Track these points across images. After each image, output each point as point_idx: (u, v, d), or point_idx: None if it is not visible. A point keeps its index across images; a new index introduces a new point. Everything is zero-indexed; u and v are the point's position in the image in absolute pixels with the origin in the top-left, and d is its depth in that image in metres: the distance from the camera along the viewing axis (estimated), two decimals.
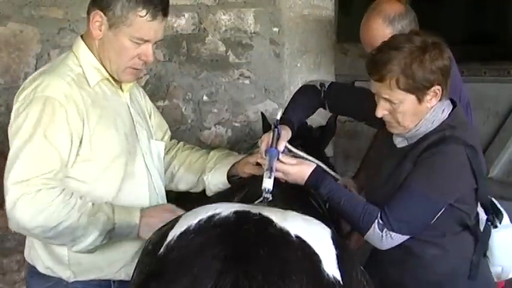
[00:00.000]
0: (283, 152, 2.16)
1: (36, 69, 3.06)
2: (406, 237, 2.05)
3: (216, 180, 2.36)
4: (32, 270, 2.16)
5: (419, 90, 2.00)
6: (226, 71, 3.13)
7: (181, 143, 2.49)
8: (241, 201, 2.10)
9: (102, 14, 2.01)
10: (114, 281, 2.12)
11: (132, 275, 1.70)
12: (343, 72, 4.12)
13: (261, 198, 1.96)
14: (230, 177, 2.35)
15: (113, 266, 2.11)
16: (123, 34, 2.01)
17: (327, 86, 2.45)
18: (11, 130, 2.01)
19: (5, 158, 3.08)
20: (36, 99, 1.96)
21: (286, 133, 2.22)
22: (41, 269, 2.12)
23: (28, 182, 1.90)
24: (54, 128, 1.95)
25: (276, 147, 2.13)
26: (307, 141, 2.55)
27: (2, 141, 3.14)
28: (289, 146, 2.24)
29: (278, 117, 2.21)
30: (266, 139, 2.17)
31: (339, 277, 1.46)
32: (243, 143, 3.19)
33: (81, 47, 2.09)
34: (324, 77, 3.14)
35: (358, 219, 2.06)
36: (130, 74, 2.11)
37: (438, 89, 2.02)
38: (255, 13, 3.08)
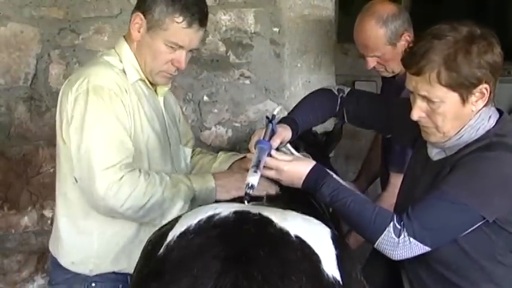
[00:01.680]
0: (278, 150, 1.97)
1: (36, 69, 3.08)
2: (426, 248, 1.74)
3: None
4: (54, 261, 2.22)
5: (464, 87, 1.72)
6: (226, 71, 3.13)
7: (197, 149, 2.53)
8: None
9: (142, 16, 2.09)
10: (131, 275, 2.09)
11: (132, 275, 1.70)
12: (343, 72, 4.12)
13: (245, 194, 1.78)
14: None
15: (131, 257, 2.09)
16: (159, 38, 2.08)
17: (346, 93, 2.19)
18: (72, 121, 2.02)
19: (6, 159, 3.13)
20: (91, 89, 2.01)
21: (283, 131, 2.00)
22: (63, 263, 2.16)
23: (113, 169, 1.96)
24: (118, 111, 2.02)
25: (268, 141, 1.92)
26: (311, 147, 2.53)
27: (3, 142, 3.15)
28: (290, 147, 2.06)
29: (275, 112, 2.04)
30: (258, 132, 1.99)
31: (338, 277, 1.46)
32: (243, 143, 3.18)
33: (124, 46, 2.15)
34: (324, 77, 3.14)
35: (368, 222, 1.76)
36: (163, 78, 2.17)
37: (486, 89, 1.74)
38: (255, 13, 3.08)
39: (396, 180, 2.61)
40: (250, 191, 1.76)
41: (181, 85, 3.12)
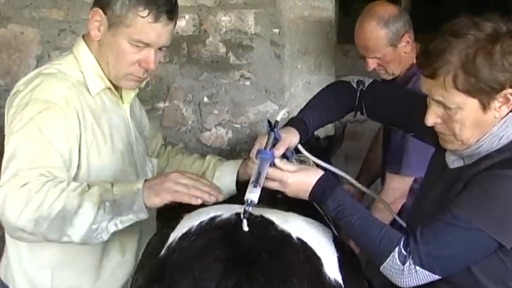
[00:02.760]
0: (287, 158, 1.79)
1: None
2: (435, 277, 1.56)
3: (223, 186, 2.03)
4: None
5: (484, 93, 1.51)
6: (226, 72, 3.12)
7: (169, 147, 2.31)
8: None
9: (101, 12, 1.83)
10: None
11: (133, 277, 1.70)
12: (343, 73, 4.11)
13: (242, 211, 1.54)
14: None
15: None
16: (122, 35, 1.82)
17: (366, 86, 1.98)
18: (6, 137, 1.80)
19: None
20: (32, 102, 1.77)
21: (288, 137, 1.81)
22: None
23: (16, 177, 1.67)
24: (51, 127, 1.75)
25: (271, 150, 1.72)
26: (313, 151, 2.52)
27: (2, 143, 3.14)
28: (301, 148, 1.88)
29: (279, 117, 1.82)
30: (260, 140, 1.79)
31: (340, 280, 1.46)
32: (243, 144, 3.18)
33: (81, 49, 1.91)
34: (325, 78, 3.14)
35: (373, 244, 1.59)
36: (130, 81, 1.92)
37: (511, 94, 1.52)
38: (255, 14, 3.08)
39: (392, 181, 2.61)
40: (250, 208, 1.55)
41: (181, 86, 3.11)
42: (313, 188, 1.65)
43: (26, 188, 1.65)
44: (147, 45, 1.84)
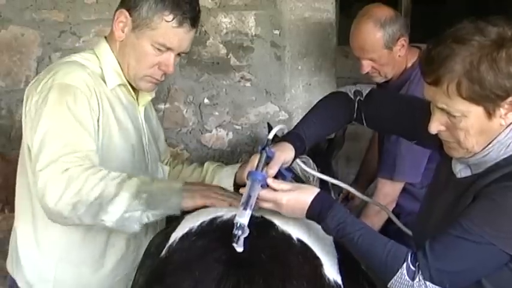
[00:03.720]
0: (283, 175, 1.73)
1: (37, 72, 3.06)
2: None
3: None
4: (12, 287, 2.05)
5: (489, 100, 1.47)
6: (227, 73, 3.12)
7: (170, 159, 2.34)
8: None
9: (127, 14, 1.89)
10: None
11: (134, 277, 1.70)
12: (344, 75, 4.11)
13: (233, 236, 1.47)
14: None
15: (99, 287, 2.00)
16: (146, 38, 1.88)
17: (364, 95, 1.93)
18: (31, 122, 1.83)
19: (7, 162, 3.12)
20: (55, 86, 1.80)
21: (283, 154, 1.74)
22: (20, 284, 2.00)
23: (56, 162, 1.72)
24: (79, 110, 1.80)
25: (262, 171, 1.65)
26: (314, 154, 2.52)
27: (4, 145, 3.14)
28: (301, 164, 1.86)
29: (270, 135, 1.75)
30: (253, 161, 1.71)
31: (340, 281, 1.46)
32: (244, 145, 3.19)
33: (104, 47, 1.96)
34: (325, 79, 3.14)
35: (379, 261, 1.53)
36: (148, 83, 1.97)
37: None
38: (256, 16, 3.08)
39: (384, 186, 2.60)
40: (239, 232, 1.47)
41: (181, 88, 3.11)
42: (309, 206, 1.58)
43: (67, 173, 1.71)
44: (169, 49, 1.91)
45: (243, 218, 1.50)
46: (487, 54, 1.45)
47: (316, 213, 1.58)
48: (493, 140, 1.53)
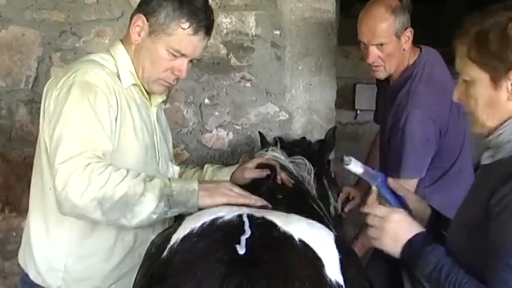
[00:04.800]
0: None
1: (37, 72, 3.07)
2: None
3: None
4: (24, 279, 2.10)
5: (494, 68, 1.52)
6: (227, 74, 3.13)
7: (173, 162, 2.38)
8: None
9: (145, 19, 1.96)
10: None
11: (135, 278, 1.69)
12: (344, 75, 4.12)
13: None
14: None
15: (106, 278, 2.04)
16: (162, 43, 1.95)
17: None
18: (49, 116, 1.89)
19: (7, 162, 3.13)
20: (77, 84, 1.86)
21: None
22: (31, 274, 2.05)
23: (78, 157, 1.77)
24: (100, 109, 1.86)
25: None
26: (306, 155, 2.53)
27: (4, 145, 3.15)
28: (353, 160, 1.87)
29: (357, 170, 1.87)
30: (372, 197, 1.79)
31: (341, 282, 1.46)
32: (244, 145, 3.19)
33: (120, 49, 2.03)
34: (325, 79, 3.14)
35: None
36: (160, 86, 2.04)
37: None
38: (256, 16, 3.08)
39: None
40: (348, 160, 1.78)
41: (182, 88, 3.12)
42: (411, 239, 1.60)
43: (89, 169, 1.76)
44: (183, 55, 1.98)
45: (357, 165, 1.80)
46: (499, 24, 1.51)
47: (417, 246, 1.58)
48: (506, 120, 1.55)
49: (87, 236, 2.01)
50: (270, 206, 1.85)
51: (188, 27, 1.94)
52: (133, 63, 2.02)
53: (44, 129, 1.94)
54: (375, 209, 1.69)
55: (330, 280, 1.44)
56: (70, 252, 2.01)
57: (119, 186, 1.78)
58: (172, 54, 1.97)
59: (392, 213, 1.66)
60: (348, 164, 1.83)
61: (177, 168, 2.27)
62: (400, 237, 1.63)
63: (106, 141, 1.86)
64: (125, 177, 1.80)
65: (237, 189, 1.90)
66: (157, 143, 2.12)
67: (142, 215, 1.81)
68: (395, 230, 1.64)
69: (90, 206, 1.77)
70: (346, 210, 2.93)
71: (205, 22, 1.96)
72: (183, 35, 1.95)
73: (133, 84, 2.03)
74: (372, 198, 1.78)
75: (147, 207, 1.81)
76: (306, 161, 2.47)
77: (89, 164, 1.77)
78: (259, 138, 2.91)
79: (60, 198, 1.78)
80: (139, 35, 1.98)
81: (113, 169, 1.80)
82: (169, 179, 1.89)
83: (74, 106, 1.84)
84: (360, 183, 3.09)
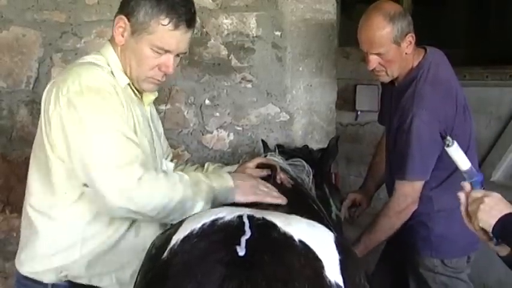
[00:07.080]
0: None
1: (38, 73, 3.07)
2: None
3: None
4: (19, 281, 2.12)
5: None
6: (228, 74, 3.13)
7: (174, 161, 2.42)
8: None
9: (126, 19, 1.97)
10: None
11: (136, 280, 1.69)
12: (345, 76, 4.12)
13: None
14: None
15: (104, 276, 2.04)
16: (145, 42, 1.96)
17: None
18: (68, 124, 1.87)
19: (8, 162, 3.12)
20: (86, 90, 1.87)
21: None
22: (29, 270, 2.08)
23: (130, 168, 1.83)
24: (120, 111, 1.91)
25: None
26: (307, 163, 2.52)
27: (4, 145, 3.15)
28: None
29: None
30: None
31: (341, 283, 1.45)
32: (245, 146, 3.19)
33: (109, 50, 2.04)
34: (326, 80, 3.14)
35: None
36: (150, 84, 2.05)
37: None
38: (257, 17, 3.09)
39: (402, 187, 2.59)
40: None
41: (183, 89, 3.12)
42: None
43: (145, 180, 1.84)
44: (167, 51, 1.97)
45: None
46: None
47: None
48: None
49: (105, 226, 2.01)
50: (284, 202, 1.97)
51: (168, 23, 1.93)
52: (122, 64, 2.03)
53: (49, 135, 1.92)
54: (472, 193, 1.74)
55: (330, 281, 1.43)
56: (84, 244, 2.00)
57: (174, 194, 1.88)
58: (157, 51, 1.97)
59: (491, 192, 1.72)
60: (449, 146, 1.80)
61: (171, 165, 2.27)
62: (495, 213, 1.67)
63: (136, 146, 1.91)
64: (176, 183, 1.90)
65: (263, 187, 2.01)
66: (154, 141, 2.14)
67: (188, 214, 1.87)
68: (492, 205, 1.69)
69: (151, 214, 1.87)
70: (356, 217, 2.94)
71: (185, 16, 1.95)
72: (164, 32, 1.94)
73: (127, 84, 2.05)
74: (467, 185, 1.80)
75: (196, 210, 1.91)
76: (304, 162, 2.46)
77: (142, 176, 1.84)
78: (259, 140, 2.91)
79: (113, 206, 1.83)
80: (122, 36, 1.99)
81: (163, 176, 1.90)
82: (208, 178, 1.99)
83: (97, 114, 1.86)
84: (364, 186, 3.08)
